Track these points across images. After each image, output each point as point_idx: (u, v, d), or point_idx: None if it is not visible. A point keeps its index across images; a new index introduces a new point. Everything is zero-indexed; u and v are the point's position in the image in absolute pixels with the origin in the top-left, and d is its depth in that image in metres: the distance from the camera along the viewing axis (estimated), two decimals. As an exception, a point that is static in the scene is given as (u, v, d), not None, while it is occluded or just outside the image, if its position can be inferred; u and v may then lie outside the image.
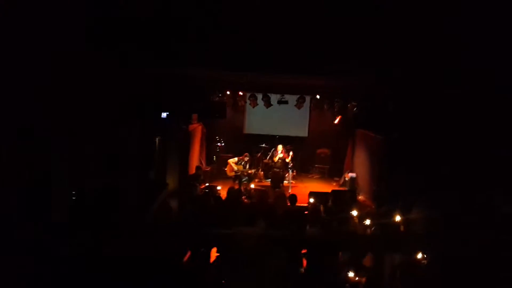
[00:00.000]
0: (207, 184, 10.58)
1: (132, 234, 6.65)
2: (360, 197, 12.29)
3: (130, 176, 7.42)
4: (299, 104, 12.31)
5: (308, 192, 10.87)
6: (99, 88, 6.61)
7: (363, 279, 5.64)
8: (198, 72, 9.26)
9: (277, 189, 12.03)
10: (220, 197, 8.82)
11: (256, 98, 12.25)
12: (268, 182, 13.23)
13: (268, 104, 11.98)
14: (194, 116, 11.81)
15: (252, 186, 9.97)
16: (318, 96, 12.97)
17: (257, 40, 7.96)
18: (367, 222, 7.08)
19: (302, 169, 15.30)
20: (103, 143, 6.91)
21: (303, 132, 15.66)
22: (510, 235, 6.26)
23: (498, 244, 6.23)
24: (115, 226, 6.40)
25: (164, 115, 9.07)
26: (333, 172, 15.03)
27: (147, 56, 7.58)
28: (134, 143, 8.06)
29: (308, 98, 13.05)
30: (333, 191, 11.19)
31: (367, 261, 5.97)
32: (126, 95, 7.49)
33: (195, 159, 12.99)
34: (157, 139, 9.88)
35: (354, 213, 7.11)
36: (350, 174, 13.48)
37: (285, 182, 12.89)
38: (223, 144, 15.08)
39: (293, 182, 13.60)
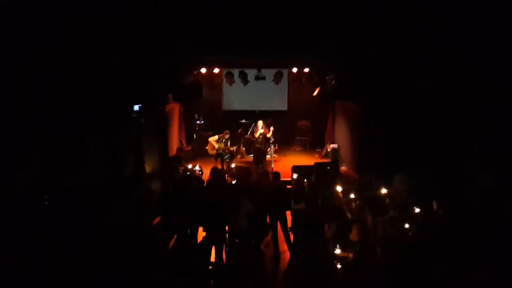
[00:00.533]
0: (189, 166, 10.36)
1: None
2: (343, 168, 12.32)
3: (93, 177, 6.97)
4: (277, 79, 12.10)
5: (291, 165, 10.83)
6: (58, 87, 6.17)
7: (350, 255, 5.63)
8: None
9: (260, 165, 11.92)
10: (201, 179, 8.66)
11: (232, 76, 11.98)
12: (250, 158, 13.11)
13: (245, 81, 11.74)
14: (170, 95, 11.45)
15: (233, 165, 9.82)
16: (295, 70, 12.72)
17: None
18: (352, 196, 7.04)
19: (284, 142, 15.23)
20: (62, 145, 6.46)
21: (282, 105, 15.49)
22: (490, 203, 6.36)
23: (478, 212, 6.31)
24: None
25: (136, 107, 8.65)
26: (314, 143, 15.02)
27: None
28: (99, 142, 7.57)
29: (285, 72, 12.84)
30: (316, 164, 11.12)
31: (354, 236, 5.93)
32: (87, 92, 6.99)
33: (175, 139, 12.74)
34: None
35: (339, 188, 7.05)
36: (332, 145, 13.48)
37: (268, 157, 12.79)
38: (202, 122, 14.82)
39: (276, 156, 13.54)
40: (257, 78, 11.74)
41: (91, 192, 6.69)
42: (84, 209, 6.59)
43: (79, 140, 6.68)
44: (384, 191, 6.97)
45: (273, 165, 12.39)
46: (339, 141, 13.51)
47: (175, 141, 12.76)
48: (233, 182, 8.72)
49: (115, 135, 8.02)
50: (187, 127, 14.36)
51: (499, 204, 6.68)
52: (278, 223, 7.96)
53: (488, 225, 6.47)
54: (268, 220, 8.22)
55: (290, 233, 7.78)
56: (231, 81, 12.10)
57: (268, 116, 14.43)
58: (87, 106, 6.77)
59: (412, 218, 6.46)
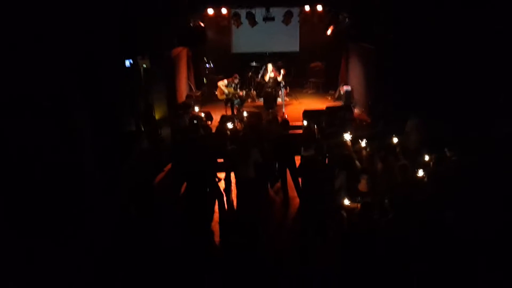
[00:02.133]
0: (196, 112, 10.20)
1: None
2: (356, 111, 12.02)
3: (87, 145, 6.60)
4: (287, 19, 11.47)
5: (303, 109, 10.60)
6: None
7: (358, 205, 5.54)
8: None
9: (270, 110, 11.70)
10: (208, 127, 8.52)
11: (239, 17, 11.40)
12: (261, 102, 12.85)
13: (253, 22, 11.15)
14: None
15: (245, 113, 9.62)
16: (307, 8, 12.00)
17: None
18: (362, 144, 6.85)
19: (296, 85, 14.81)
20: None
21: (294, 46, 14.90)
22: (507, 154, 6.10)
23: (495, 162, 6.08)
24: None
25: (127, 63, 8.26)
26: (327, 85, 14.58)
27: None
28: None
29: (296, 12, 12.16)
30: (327, 108, 10.88)
31: (363, 186, 5.82)
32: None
33: (184, 84, 12.49)
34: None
35: (347, 136, 6.85)
36: (345, 88, 13.06)
37: (279, 100, 12.52)
38: (211, 65, 14.45)
39: (287, 99, 13.25)
40: (266, 19, 11.12)
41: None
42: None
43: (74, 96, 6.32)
44: (395, 139, 6.75)
45: (284, 109, 12.16)
46: (352, 83, 13.07)
47: (184, 87, 12.52)
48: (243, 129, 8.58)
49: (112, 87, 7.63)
50: (196, 72, 14.04)
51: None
52: (288, 169, 7.92)
53: (503, 173, 6.25)
54: (277, 166, 8.19)
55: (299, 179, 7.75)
56: (238, 22, 11.53)
57: (279, 58, 13.93)
58: (83, 58, 6.42)
59: (423, 166, 6.30)
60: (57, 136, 5.80)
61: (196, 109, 10.21)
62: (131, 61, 8.25)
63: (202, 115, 9.20)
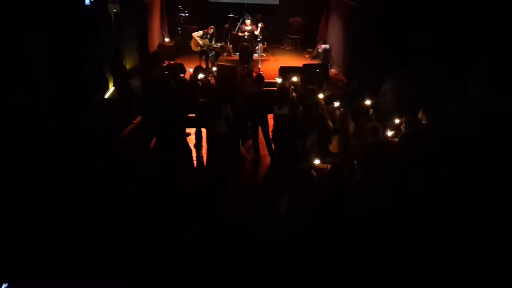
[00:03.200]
0: (168, 63, 9.80)
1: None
2: (333, 70, 11.87)
3: (44, 85, 6.14)
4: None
5: (280, 66, 10.36)
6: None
7: (328, 166, 5.49)
8: None
9: (246, 65, 11.39)
10: (181, 79, 8.21)
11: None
12: (237, 56, 12.49)
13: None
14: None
15: (214, 68, 9.30)
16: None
17: None
18: (336, 104, 6.74)
19: (274, 40, 14.48)
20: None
21: (274, -1, 14.39)
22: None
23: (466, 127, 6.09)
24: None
25: (87, 1, 7.63)
26: (306, 43, 14.28)
27: None
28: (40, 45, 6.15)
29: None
30: (304, 65, 10.67)
31: (334, 147, 5.74)
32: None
33: (156, 33, 11.95)
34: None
35: (321, 95, 6.71)
36: (323, 46, 12.82)
37: (255, 56, 12.19)
38: (187, 14, 13.82)
39: (264, 55, 12.94)
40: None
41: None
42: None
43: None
44: (368, 101, 6.65)
45: (260, 65, 11.87)
46: (331, 42, 12.81)
47: (156, 35, 11.99)
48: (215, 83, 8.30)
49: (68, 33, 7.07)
50: (170, 20, 13.42)
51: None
52: (260, 127, 7.78)
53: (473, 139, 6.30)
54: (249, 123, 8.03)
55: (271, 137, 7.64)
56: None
57: (258, 11, 13.45)
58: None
59: (395, 128, 6.27)
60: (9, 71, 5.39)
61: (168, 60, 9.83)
62: (92, 0, 7.64)
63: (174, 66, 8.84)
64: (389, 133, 6.03)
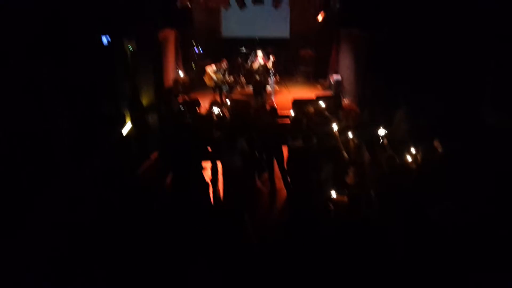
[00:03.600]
0: (183, 98, 10.01)
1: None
2: (346, 101, 11.94)
3: (61, 118, 6.33)
4: (276, 3, 11.26)
5: (293, 98, 10.49)
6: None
7: (345, 198, 5.47)
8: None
9: (259, 97, 11.55)
10: (196, 114, 8.36)
11: (228, -1, 11.19)
12: (250, 89, 12.68)
13: (242, 4, 10.92)
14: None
15: (228, 102, 9.47)
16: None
17: None
18: (350, 135, 6.76)
19: (286, 72, 14.69)
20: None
21: (284, 33, 14.73)
22: (495, 145, 6.06)
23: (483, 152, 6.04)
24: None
25: (104, 40, 7.93)
26: (318, 74, 14.43)
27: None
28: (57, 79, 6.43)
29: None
30: (317, 97, 10.76)
31: (350, 179, 5.74)
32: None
33: (171, 68, 12.24)
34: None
35: (335, 126, 6.75)
36: (335, 77, 12.95)
37: (268, 88, 12.36)
38: (201, 50, 14.18)
39: (276, 87, 13.11)
40: (255, 1, 10.92)
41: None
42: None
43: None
44: (382, 131, 6.66)
45: (273, 97, 12.02)
46: (343, 72, 12.95)
47: (172, 71, 12.28)
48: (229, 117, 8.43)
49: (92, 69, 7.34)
50: (185, 56, 13.78)
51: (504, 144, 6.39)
52: (275, 160, 7.81)
53: (492, 164, 6.22)
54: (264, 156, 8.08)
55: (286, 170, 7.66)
56: (226, 4, 11.28)
57: (269, 44, 13.74)
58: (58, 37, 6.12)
59: (411, 156, 6.25)
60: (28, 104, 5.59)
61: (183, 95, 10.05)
62: (109, 39, 7.92)
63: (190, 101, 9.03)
64: (407, 157, 6.01)
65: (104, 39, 7.87)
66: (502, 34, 6.53)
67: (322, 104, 8.50)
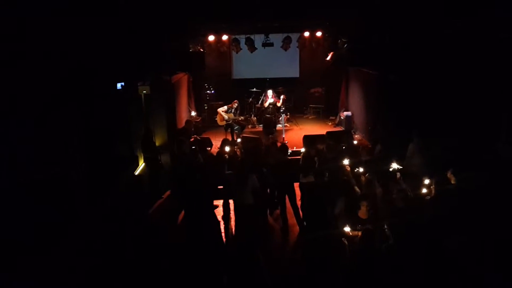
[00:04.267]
0: (195, 138, 10.16)
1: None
2: (357, 137, 11.95)
3: (79, 161, 6.54)
4: (285, 45, 11.60)
5: (303, 135, 10.52)
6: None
7: (359, 233, 5.39)
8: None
9: (270, 135, 11.64)
10: (208, 153, 8.46)
11: (238, 43, 11.53)
12: (261, 127, 12.83)
13: (252, 48, 11.28)
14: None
15: (239, 139, 9.59)
16: (307, 34, 12.14)
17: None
18: (361, 169, 6.74)
19: (296, 110, 14.88)
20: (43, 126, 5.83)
21: (294, 72, 15.02)
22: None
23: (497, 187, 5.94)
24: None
25: (118, 85, 8.22)
26: (328, 111, 14.59)
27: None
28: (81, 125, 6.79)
29: (294, 38, 12.31)
30: (328, 133, 10.82)
31: (363, 213, 5.68)
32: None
33: (184, 110, 12.53)
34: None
35: (346, 161, 6.75)
36: (346, 113, 13.06)
37: (279, 126, 12.49)
38: (212, 91, 14.52)
39: (287, 125, 13.24)
40: (265, 44, 11.28)
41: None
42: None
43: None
44: (395, 165, 6.63)
45: (284, 135, 12.12)
46: (353, 109, 13.08)
47: (184, 113, 12.55)
48: (241, 155, 8.49)
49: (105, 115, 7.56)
50: (197, 98, 14.10)
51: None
52: (287, 196, 7.78)
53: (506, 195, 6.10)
54: (276, 193, 8.06)
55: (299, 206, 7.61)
56: (237, 48, 11.67)
57: (280, 84, 14.01)
58: (77, 83, 6.39)
59: (425, 188, 6.18)
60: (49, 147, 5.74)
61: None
62: (123, 84, 8.20)
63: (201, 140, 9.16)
64: (422, 190, 5.95)
65: (118, 85, 8.15)
66: None
67: (333, 140, 8.54)
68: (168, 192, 9.21)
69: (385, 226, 5.41)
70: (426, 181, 6.24)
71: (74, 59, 6.18)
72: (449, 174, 6.20)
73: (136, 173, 9.16)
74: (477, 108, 7.25)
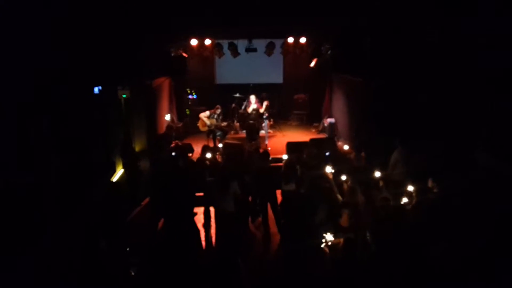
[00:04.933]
0: (177, 144, 9.98)
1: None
2: (340, 143, 11.93)
3: (51, 168, 6.30)
4: (269, 51, 11.54)
5: (287, 141, 10.45)
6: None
7: (341, 241, 5.29)
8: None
9: (253, 141, 11.52)
10: (188, 159, 8.28)
11: (221, 48, 11.42)
12: (244, 133, 12.70)
13: (235, 53, 11.17)
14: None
15: (220, 145, 9.44)
16: (290, 40, 12.09)
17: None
18: (343, 177, 6.66)
19: (280, 116, 14.79)
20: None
21: (278, 78, 14.96)
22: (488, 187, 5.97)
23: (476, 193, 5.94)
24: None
25: (96, 90, 7.98)
26: (312, 117, 14.55)
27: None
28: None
29: (278, 43, 12.25)
30: (311, 140, 10.76)
31: (345, 221, 5.58)
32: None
33: (165, 115, 12.31)
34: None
35: (329, 169, 6.67)
36: (329, 120, 13.03)
37: (262, 132, 12.38)
38: (195, 96, 14.34)
39: (271, 131, 13.14)
40: (248, 50, 11.20)
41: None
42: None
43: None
44: (378, 173, 6.57)
45: (267, 141, 12.02)
46: (336, 116, 13.04)
47: (165, 117, 12.33)
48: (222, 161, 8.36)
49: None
50: (179, 103, 13.91)
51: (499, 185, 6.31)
52: (269, 204, 7.66)
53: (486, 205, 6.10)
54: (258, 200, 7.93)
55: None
56: (220, 53, 11.55)
57: (263, 90, 13.91)
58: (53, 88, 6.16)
59: (407, 196, 6.13)
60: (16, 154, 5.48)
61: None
62: (100, 88, 7.97)
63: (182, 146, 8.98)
64: (403, 199, 5.89)
65: (96, 89, 7.93)
66: (497, 84, 6.61)
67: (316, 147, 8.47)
68: (147, 199, 8.98)
69: (367, 234, 5.32)
70: (408, 189, 6.19)
71: (46, 63, 5.95)
72: (430, 183, 6.18)
73: (114, 179, 8.92)
74: (457, 117, 7.27)
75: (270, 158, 7.73)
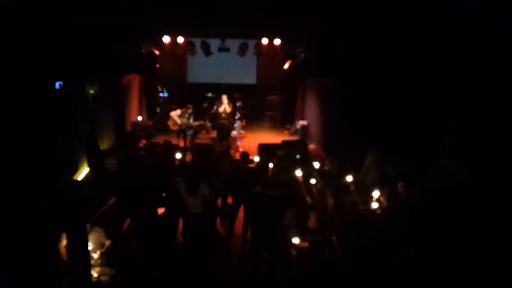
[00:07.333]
0: (147, 142, 9.75)
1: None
2: (312, 146, 11.96)
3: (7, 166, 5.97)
4: (242, 51, 11.46)
5: (258, 143, 10.39)
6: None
7: (307, 244, 5.26)
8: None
9: (224, 142, 11.40)
10: (156, 158, 8.08)
11: (194, 46, 11.25)
12: (215, 134, 12.57)
13: (207, 52, 11.04)
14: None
15: (189, 145, 9.29)
16: (264, 41, 12.04)
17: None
18: (313, 180, 6.63)
19: (252, 117, 14.72)
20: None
21: (251, 79, 14.90)
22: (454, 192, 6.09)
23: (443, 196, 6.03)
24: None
25: (57, 85, 7.67)
26: (284, 119, 14.55)
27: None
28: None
29: (251, 44, 12.18)
30: (283, 142, 10.74)
31: (312, 223, 5.54)
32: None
33: (134, 113, 12.04)
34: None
35: (299, 172, 6.62)
36: (301, 122, 13.06)
37: (234, 133, 12.27)
38: (166, 95, 14.08)
39: (242, 132, 13.04)
40: (221, 49, 11.09)
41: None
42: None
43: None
44: (349, 177, 6.56)
45: (239, 142, 11.91)
46: (309, 118, 13.09)
47: (135, 116, 12.06)
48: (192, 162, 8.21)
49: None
50: (149, 101, 13.63)
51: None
52: (238, 205, 7.55)
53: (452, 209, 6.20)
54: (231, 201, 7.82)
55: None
56: (192, 51, 11.39)
57: (236, 90, 13.81)
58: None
59: (376, 201, 6.15)
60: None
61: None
62: (61, 83, 7.65)
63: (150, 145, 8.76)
64: (372, 206, 5.91)
65: (56, 84, 7.60)
66: (461, 91, 6.72)
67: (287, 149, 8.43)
68: (113, 199, 8.71)
69: (334, 238, 5.31)
70: (377, 194, 6.22)
71: (3, 58, 5.63)
72: (399, 187, 6.22)
73: (79, 178, 8.59)
74: (425, 123, 7.37)
75: (248, 159, 7.64)
